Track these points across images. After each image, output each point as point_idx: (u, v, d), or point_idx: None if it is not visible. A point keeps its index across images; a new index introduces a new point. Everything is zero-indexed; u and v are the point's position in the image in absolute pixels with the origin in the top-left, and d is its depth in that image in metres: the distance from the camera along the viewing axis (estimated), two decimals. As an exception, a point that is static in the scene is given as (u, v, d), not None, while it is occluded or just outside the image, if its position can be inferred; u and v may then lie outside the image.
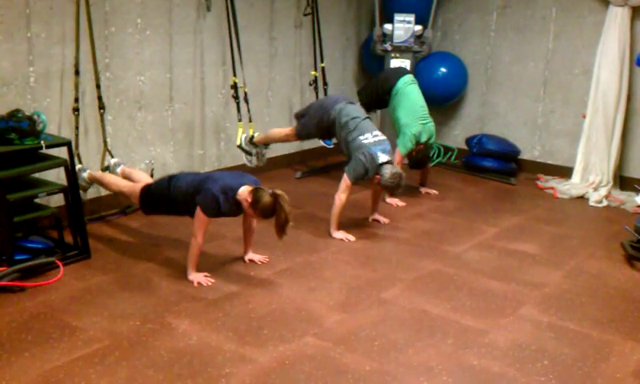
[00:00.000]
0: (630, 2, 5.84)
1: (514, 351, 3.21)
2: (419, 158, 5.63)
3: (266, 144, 5.52)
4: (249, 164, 5.54)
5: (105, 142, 4.71)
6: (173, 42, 5.18)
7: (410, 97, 5.54)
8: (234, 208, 3.78)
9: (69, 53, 4.45)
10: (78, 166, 4.56)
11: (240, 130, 5.50)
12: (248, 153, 5.50)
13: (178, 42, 5.22)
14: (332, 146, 6.20)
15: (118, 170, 4.55)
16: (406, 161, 5.59)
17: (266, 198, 3.61)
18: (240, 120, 5.49)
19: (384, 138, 4.77)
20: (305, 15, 6.23)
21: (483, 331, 3.40)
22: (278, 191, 3.62)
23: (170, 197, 3.92)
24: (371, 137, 4.68)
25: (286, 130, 5.36)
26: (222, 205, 3.72)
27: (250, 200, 3.66)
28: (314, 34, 6.28)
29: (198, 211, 3.73)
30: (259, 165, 5.59)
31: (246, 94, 5.53)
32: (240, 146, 5.51)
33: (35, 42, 4.27)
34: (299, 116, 5.22)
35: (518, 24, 6.69)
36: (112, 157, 4.70)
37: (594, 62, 6.11)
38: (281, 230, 3.64)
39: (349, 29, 7.02)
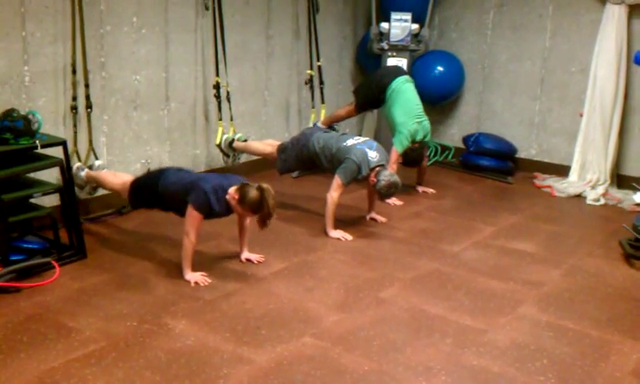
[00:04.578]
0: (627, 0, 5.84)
1: (512, 350, 3.20)
2: (414, 156, 5.62)
3: (243, 152, 5.62)
4: (224, 163, 5.64)
5: (90, 142, 4.67)
6: (169, 40, 5.15)
7: (405, 95, 5.54)
8: (225, 208, 3.78)
9: (64, 52, 4.42)
10: (76, 165, 4.55)
11: (220, 130, 5.53)
12: (226, 154, 5.59)
13: (173, 40, 5.19)
14: None
15: (102, 172, 4.53)
16: (400, 160, 5.59)
17: (253, 193, 3.63)
18: (220, 119, 5.51)
19: (367, 138, 4.92)
20: None
21: (482, 330, 3.39)
22: (264, 185, 3.65)
23: (157, 193, 3.93)
24: (353, 140, 4.79)
25: (266, 148, 5.30)
26: (214, 204, 3.72)
27: (237, 197, 3.66)
28: (309, 32, 6.25)
29: (190, 210, 3.72)
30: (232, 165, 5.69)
31: (228, 93, 5.54)
32: (219, 146, 5.57)
33: (30, 41, 4.24)
34: (279, 151, 5.12)
35: (514, 22, 6.68)
36: (97, 158, 4.67)
37: (591, 60, 6.10)
38: (262, 222, 3.70)
39: (345, 27, 6.99)
